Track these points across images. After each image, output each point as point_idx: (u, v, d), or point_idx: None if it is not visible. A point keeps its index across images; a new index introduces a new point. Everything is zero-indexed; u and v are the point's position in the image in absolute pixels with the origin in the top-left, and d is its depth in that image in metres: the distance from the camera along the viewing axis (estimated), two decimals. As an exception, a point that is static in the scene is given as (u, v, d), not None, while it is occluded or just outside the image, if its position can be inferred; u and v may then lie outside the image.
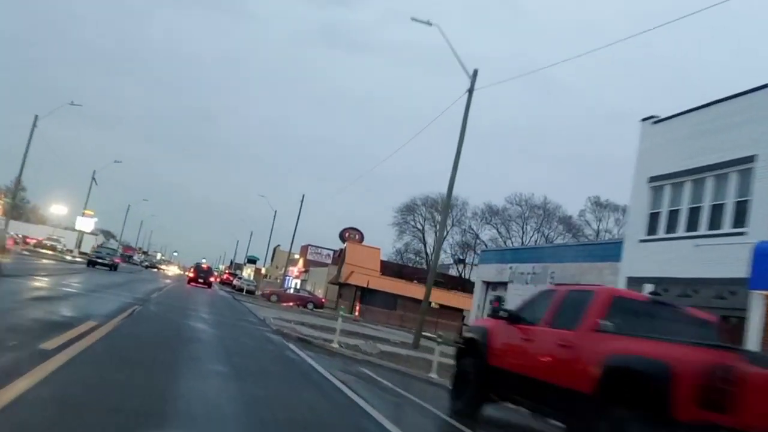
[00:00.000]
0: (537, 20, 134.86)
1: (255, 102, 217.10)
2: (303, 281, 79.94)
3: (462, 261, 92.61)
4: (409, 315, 56.87)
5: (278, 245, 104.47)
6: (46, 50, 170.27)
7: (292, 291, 55.50)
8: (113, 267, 42.43)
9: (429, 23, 21.82)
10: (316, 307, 50.11)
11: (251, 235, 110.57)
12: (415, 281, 62.40)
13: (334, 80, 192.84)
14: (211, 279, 54.08)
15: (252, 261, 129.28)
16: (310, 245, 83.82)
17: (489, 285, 31.01)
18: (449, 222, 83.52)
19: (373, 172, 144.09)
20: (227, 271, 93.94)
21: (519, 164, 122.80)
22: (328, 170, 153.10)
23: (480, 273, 32.04)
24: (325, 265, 79.83)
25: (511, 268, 28.54)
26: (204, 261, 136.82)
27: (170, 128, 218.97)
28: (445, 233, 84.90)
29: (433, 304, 59.32)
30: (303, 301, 50.29)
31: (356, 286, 56.61)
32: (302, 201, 63.75)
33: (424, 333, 24.96)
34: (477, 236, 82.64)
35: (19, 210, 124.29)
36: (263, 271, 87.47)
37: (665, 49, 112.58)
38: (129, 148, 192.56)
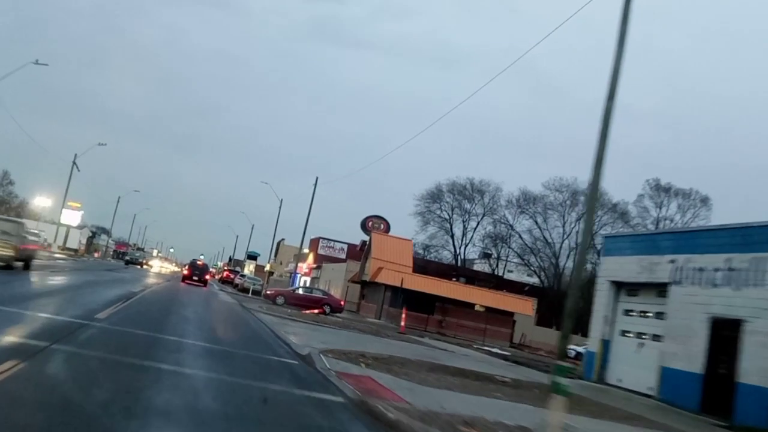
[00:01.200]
0: (530, 15, 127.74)
1: (251, 97, 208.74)
2: (314, 279, 69.75)
3: (489, 255, 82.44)
4: (450, 320, 46.72)
5: (282, 239, 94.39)
6: (40, 47, 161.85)
7: (301, 291, 44.67)
8: (17, 262, 21.50)
9: None
10: (333, 310, 39.87)
11: (252, 228, 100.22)
12: (454, 279, 52.25)
13: (330, 75, 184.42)
14: (207, 277, 48.83)
15: (252, 257, 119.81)
16: (321, 238, 73.65)
17: (622, 287, 20.86)
18: (480, 210, 73.36)
19: (378, 167, 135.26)
20: (227, 268, 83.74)
21: (549, 150, 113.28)
22: (326, 166, 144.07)
23: (606, 269, 21.81)
24: (338, 260, 69.66)
25: (673, 261, 18.32)
26: (202, 257, 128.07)
27: (166, 125, 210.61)
28: (476, 223, 74.84)
29: (477, 308, 49.31)
30: (316, 303, 40.13)
31: (386, 286, 46.39)
32: (315, 184, 53.78)
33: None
34: (511, 227, 72.57)
35: (6, 204, 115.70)
36: (267, 267, 77.26)
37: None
38: (124, 145, 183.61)
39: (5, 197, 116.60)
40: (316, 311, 33.90)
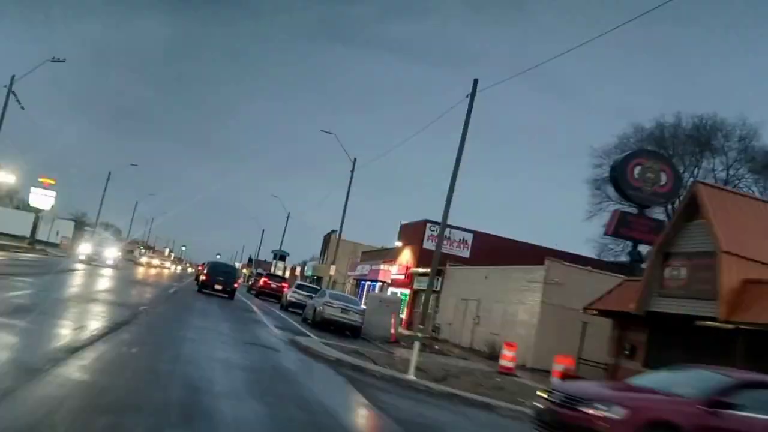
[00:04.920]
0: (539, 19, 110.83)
1: (261, 97, 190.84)
2: (418, 293, 39.47)
3: (638, 260, 51.11)
4: None
5: (333, 231, 64.33)
6: (51, 45, 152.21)
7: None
8: None
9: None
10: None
11: (288, 218, 69.51)
12: None
13: (340, 74, 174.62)
14: (235, 285, 35.20)
15: (281, 257, 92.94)
16: (428, 222, 43.55)
17: None
18: (719, 167, 42.71)
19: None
20: (264, 274, 53.79)
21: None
22: (337, 164, 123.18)
23: None
24: (457, 259, 39.52)
25: None
26: (218, 257, 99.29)
27: (176, 125, 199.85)
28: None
29: None
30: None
31: (755, 333, 16.28)
32: (469, 105, 24.12)
33: None
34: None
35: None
36: (331, 272, 47.77)
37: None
38: (135, 145, 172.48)
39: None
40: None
